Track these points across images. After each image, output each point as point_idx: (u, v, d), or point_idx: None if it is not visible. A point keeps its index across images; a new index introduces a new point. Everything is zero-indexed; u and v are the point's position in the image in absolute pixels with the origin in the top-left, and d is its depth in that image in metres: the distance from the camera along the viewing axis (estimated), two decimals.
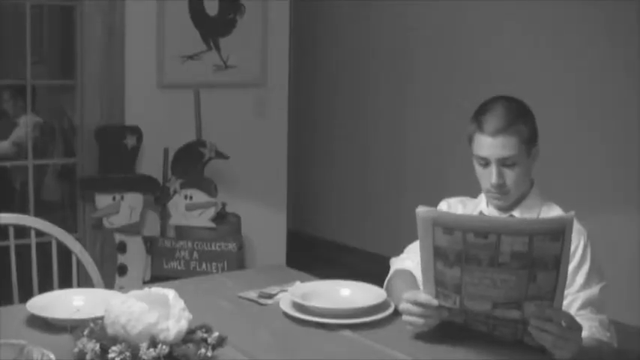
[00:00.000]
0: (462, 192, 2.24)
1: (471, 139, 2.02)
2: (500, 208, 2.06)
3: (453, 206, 2.17)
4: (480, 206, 2.12)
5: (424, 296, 1.79)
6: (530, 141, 1.98)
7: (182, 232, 3.87)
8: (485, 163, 1.99)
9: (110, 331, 1.58)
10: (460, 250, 1.66)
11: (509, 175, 1.98)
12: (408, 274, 2.07)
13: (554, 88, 4.00)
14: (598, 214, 3.60)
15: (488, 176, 1.99)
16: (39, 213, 3.67)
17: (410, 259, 2.11)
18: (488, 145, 1.96)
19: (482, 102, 2.04)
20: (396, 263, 2.17)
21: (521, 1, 4.15)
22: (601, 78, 3.84)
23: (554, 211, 2.04)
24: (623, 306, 3.05)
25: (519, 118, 1.97)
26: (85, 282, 2.49)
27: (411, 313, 1.81)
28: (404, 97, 5.02)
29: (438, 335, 1.83)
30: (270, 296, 2.11)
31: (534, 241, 1.61)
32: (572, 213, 1.66)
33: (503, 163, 1.96)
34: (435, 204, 2.17)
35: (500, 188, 1.99)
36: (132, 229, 3.80)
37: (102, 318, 1.63)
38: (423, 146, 4.91)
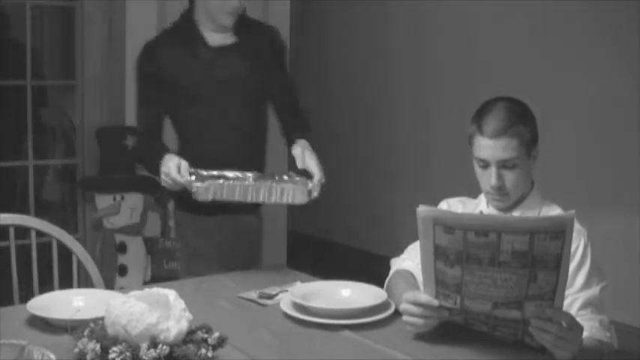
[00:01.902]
0: (462, 192, 2.24)
1: (471, 141, 2.02)
2: (500, 209, 2.06)
3: (453, 206, 2.17)
4: (480, 206, 2.12)
5: (424, 297, 1.79)
6: (530, 143, 1.98)
7: None
8: (485, 164, 1.99)
9: (110, 331, 1.59)
10: (461, 249, 1.67)
11: (509, 176, 1.98)
12: (408, 275, 2.07)
13: (554, 88, 4.00)
14: (598, 214, 3.60)
15: (488, 178, 1.99)
16: (39, 213, 3.68)
17: (410, 260, 2.11)
18: (488, 147, 1.96)
19: (483, 103, 2.04)
20: (397, 264, 2.17)
21: (522, 1, 4.15)
22: (601, 78, 3.84)
23: (554, 212, 2.04)
24: (623, 306, 3.05)
25: (520, 120, 1.96)
26: (86, 282, 2.49)
27: (411, 314, 1.81)
28: (406, 96, 5.02)
29: (437, 335, 1.83)
30: (271, 296, 2.12)
31: (535, 239, 1.61)
32: (573, 212, 1.66)
33: (503, 165, 1.96)
34: (435, 204, 2.17)
35: (500, 190, 1.99)
36: (132, 230, 3.80)
37: (102, 318, 1.63)
38: (424, 146, 4.90)
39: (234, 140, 2.58)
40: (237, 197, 2.27)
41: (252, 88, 2.59)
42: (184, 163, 2.33)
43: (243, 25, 2.57)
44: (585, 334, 1.77)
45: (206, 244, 2.61)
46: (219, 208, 2.44)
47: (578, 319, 1.75)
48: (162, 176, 2.36)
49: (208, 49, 2.53)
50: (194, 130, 2.59)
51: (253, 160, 2.60)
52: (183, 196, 2.44)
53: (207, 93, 2.53)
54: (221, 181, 2.27)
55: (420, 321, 1.80)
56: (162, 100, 2.55)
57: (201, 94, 2.52)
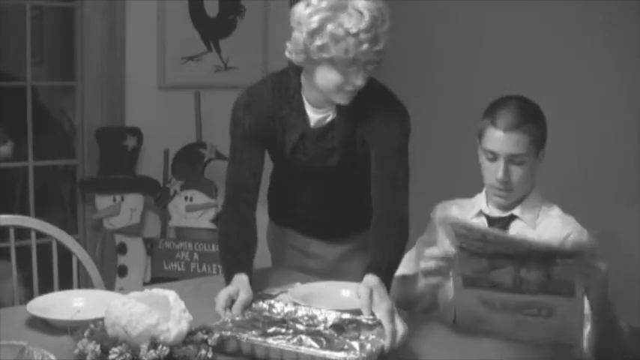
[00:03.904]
0: (460, 194, 2.24)
1: (481, 134, 2.03)
2: (500, 206, 2.07)
3: (448, 209, 2.18)
4: (478, 206, 2.13)
5: (439, 250, 1.78)
6: (539, 143, 2.01)
7: (182, 233, 3.87)
8: (494, 157, 2.00)
9: (110, 332, 1.58)
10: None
11: (516, 172, 1.99)
12: (407, 278, 2.07)
13: (554, 88, 4.01)
14: (598, 213, 3.59)
15: (495, 171, 2.00)
16: (39, 214, 3.68)
17: (405, 267, 2.11)
18: (500, 139, 1.97)
19: (497, 99, 2.05)
20: None
21: (522, 2, 4.15)
22: (602, 77, 3.84)
23: (553, 211, 2.06)
24: (623, 306, 3.04)
25: (532, 119, 2.00)
26: (85, 283, 2.50)
27: (429, 268, 1.79)
28: (405, 97, 5.01)
29: (439, 335, 1.83)
30: (271, 297, 2.11)
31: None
32: (597, 232, 1.68)
33: (512, 160, 1.98)
34: (431, 206, 2.17)
35: (505, 185, 2.00)
36: (132, 231, 3.80)
37: (102, 319, 1.63)
38: (422, 148, 4.90)
39: (316, 211, 2.33)
40: (258, 356, 1.67)
41: (340, 175, 2.21)
42: (243, 298, 1.86)
43: (359, 99, 2.09)
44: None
45: (297, 259, 2.46)
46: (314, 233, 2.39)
47: (585, 320, 1.77)
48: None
49: (303, 126, 2.15)
50: (278, 190, 2.43)
51: (341, 228, 2.36)
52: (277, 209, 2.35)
53: (290, 170, 2.28)
54: (245, 336, 1.69)
55: (437, 276, 1.78)
56: (258, 159, 2.17)
57: (284, 166, 2.30)
